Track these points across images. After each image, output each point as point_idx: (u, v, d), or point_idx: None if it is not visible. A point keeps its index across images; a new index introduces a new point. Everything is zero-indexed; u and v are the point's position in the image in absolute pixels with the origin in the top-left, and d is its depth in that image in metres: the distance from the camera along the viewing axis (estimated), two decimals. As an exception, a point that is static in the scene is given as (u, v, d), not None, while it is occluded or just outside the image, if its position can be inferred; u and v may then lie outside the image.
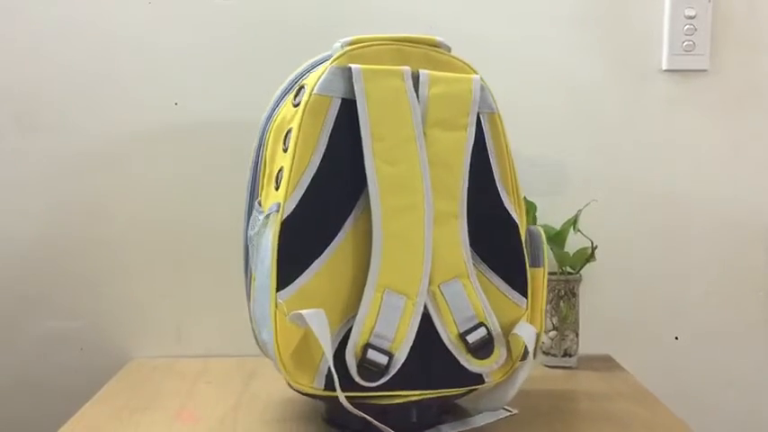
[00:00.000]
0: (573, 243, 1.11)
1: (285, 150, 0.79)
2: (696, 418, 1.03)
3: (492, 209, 0.83)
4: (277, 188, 0.79)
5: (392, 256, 0.78)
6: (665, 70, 1.17)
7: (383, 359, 0.77)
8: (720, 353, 1.21)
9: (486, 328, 0.82)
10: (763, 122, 1.19)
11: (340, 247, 0.78)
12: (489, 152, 0.83)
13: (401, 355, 0.78)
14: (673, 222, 1.19)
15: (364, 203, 0.79)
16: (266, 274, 0.76)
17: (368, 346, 0.77)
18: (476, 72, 0.84)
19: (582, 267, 1.11)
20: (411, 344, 0.79)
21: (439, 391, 0.82)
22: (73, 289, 1.16)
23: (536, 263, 0.86)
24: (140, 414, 0.92)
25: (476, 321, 0.81)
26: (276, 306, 0.76)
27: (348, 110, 0.78)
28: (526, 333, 0.82)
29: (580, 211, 1.11)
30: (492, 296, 0.83)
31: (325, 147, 0.78)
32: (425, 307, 0.80)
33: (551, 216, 1.13)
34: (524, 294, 0.84)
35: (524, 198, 0.89)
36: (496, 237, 0.84)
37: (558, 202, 1.16)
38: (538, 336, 0.84)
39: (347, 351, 0.77)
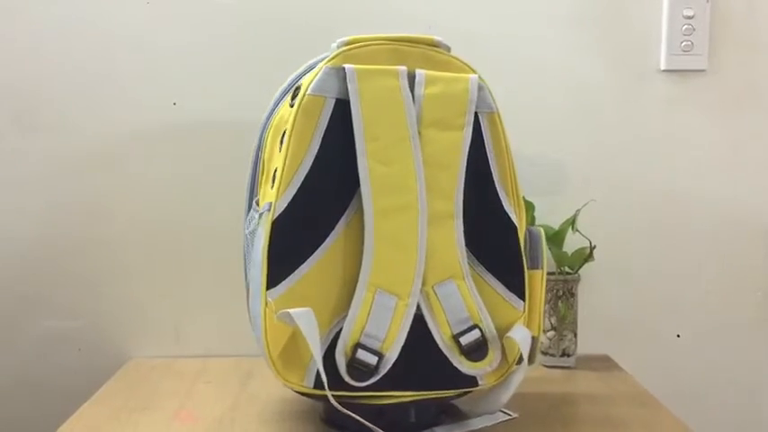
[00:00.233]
0: (571, 243, 1.11)
1: (281, 150, 0.79)
2: (694, 418, 1.03)
3: (490, 210, 0.82)
4: (273, 188, 0.79)
5: (384, 256, 0.78)
6: (664, 70, 1.17)
7: (373, 359, 0.77)
8: (719, 353, 1.20)
9: (481, 330, 0.81)
10: (762, 122, 1.19)
11: (332, 247, 0.78)
12: (488, 152, 0.82)
13: (392, 356, 0.78)
14: (671, 222, 1.19)
15: (358, 204, 0.78)
16: (258, 273, 0.76)
17: (358, 345, 0.77)
18: (475, 72, 0.83)
19: (580, 267, 1.11)
20: (402, 344, 0.78)
21: (431, 392, 0.81)
22: (72, 289, 1.16)
23: (535, 265, 0.85)
24: (139, 414, 0.93)
25: (470, 323, 0.81)
26: (266, 304, 0.76)
27: (342, 110, 0.78)
28: (520, 336, 0.81)
29: (578, 210, 1.11)
30: (488, 298, 0.82)
31: (318, 147, 0.78)
32: (419, 308, 0.79)
33: (550, 216, 1.13)
34: (522, 297, 0.83)
35: (523, 198, 0.88)
36: (494, 238, 0.83)
37: (557, 201, 1.16)
38: (534, 339, 0.83)
39: (337, 350, 0.77)
